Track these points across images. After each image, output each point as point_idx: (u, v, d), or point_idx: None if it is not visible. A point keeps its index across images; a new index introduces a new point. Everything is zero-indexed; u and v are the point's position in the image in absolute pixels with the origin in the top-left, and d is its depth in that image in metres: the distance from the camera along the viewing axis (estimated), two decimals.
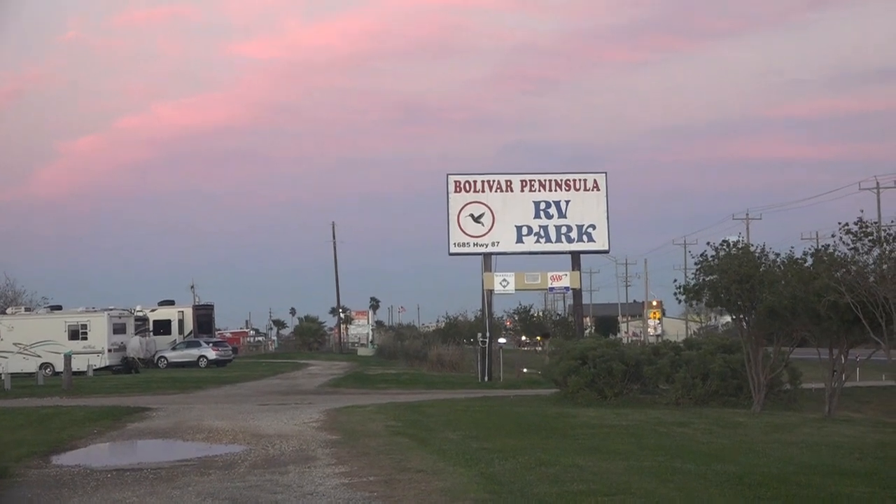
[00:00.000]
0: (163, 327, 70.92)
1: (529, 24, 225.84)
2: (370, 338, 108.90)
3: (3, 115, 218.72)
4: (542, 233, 47.64)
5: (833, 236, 26.90)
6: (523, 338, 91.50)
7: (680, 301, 36.56)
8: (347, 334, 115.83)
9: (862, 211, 26.43)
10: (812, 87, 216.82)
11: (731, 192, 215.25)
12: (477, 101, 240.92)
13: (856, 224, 25.95)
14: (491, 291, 47.72)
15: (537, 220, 47.68)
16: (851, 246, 26.05)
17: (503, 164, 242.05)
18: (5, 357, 56.44)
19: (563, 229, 47.64)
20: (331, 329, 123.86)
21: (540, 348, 65.12)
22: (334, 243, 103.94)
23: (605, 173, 48.61)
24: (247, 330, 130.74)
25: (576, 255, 48.21)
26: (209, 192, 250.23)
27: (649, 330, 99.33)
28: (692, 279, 30.83)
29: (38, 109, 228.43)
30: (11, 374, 48.24)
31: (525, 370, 51.08)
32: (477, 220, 47.44)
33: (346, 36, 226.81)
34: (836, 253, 26.65)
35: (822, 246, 27.77)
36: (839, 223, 26.34)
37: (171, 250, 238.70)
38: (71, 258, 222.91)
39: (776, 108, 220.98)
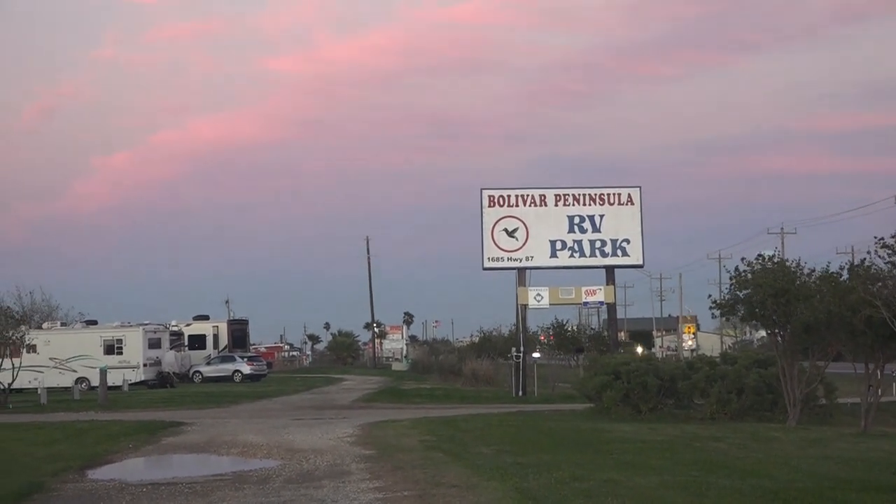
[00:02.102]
0: (197, 342, 71.20)
1: (559, 39, 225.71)
2: (404, 353, 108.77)
3: (40, 131, 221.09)
4: (576, 247, 47.45)
5: (870, 252, 26.72)
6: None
7: (714, 316, 36.31)
8: (381, 349, 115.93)
9: None
10: (844, 101, 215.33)
11: (765, 206, 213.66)
12: (507, 115, 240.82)
13: (892, 238, 25.81)
14: (525, 306, 47.57)
15: (571, 234, 47.51)
16: (888, 260, 25.90)
17: (534, 178, 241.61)
18: (41, 371, 56.70)
19: (598, 244, 47.43)
20: (365, 344, 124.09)
21: (574, 363, 64.87)
22: (368, 258, 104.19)
23: (640, 187, 48.48)
24: (281, 345, 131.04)
25: (610, 270, 48.01)
26: (243, 206, 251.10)
27: (684, 344, 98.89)
28: (726, 294, 30.71)
29: (74, 125, 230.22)
30: (48, 388, 48.58)
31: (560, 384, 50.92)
32: (511, 234, 47.36)
33: (377, 51, 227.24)
34: (873, 268, 26.49)
35: (862, 259, 27.52)
36: (875, 237, 26.24)
37: (206, 265, 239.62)
38: (106, 273, 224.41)
39: (808, 121, 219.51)
